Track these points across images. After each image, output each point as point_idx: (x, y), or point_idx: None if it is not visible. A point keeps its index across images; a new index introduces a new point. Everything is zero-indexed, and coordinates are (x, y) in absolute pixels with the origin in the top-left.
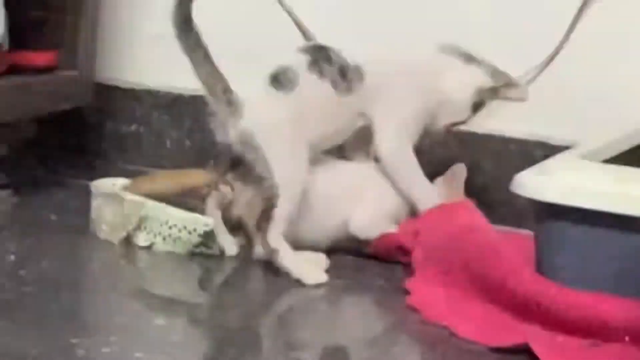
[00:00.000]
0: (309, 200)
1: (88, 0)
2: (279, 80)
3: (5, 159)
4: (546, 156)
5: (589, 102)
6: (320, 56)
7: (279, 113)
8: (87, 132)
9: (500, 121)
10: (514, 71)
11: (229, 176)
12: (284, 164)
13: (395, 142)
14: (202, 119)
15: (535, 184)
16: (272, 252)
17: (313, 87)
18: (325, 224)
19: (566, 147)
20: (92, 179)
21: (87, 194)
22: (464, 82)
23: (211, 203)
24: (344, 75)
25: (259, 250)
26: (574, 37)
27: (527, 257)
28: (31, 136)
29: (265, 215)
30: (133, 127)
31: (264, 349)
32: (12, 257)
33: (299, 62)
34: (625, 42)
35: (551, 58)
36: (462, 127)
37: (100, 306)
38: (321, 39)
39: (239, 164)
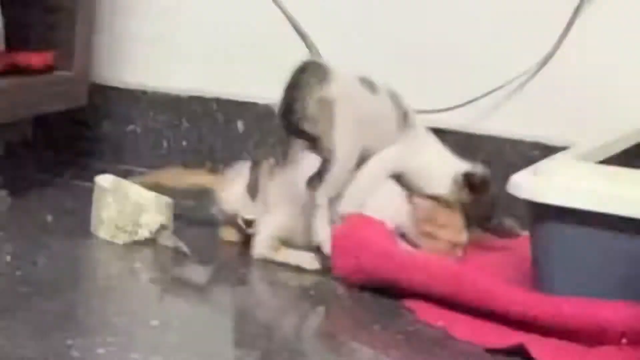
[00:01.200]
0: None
1: (84, 1)
2: (366, 81)
3: (1, 159)
4: (542, 157)
5: (585, 103)
6: (394, 97)
7: (360, 101)
8: (83, 132)
9: (496, 122)
10: (512, 71)
11: (278, 149)
12: (346, 138)
13: (383, 156)
14: (199, 120)
15: (531, 184)
16: (314, 208)
17: (387, 107)
18: None
19: (562, 148)
20: (89, 179)
21: (83, 194)
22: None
23: (264, 170)
24: (405, 120)
25: (258, 251)
26: (570, 38)
27: (522, 258)
28: (27, 137)
29: (319, 174)
30: (130, 128)
31: (262, 349)
32: (8, 258)
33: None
34: (621, 43)
35: (547, 59)
36: (458, 128)
37: (96, 307)
38: (322, 44)
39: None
